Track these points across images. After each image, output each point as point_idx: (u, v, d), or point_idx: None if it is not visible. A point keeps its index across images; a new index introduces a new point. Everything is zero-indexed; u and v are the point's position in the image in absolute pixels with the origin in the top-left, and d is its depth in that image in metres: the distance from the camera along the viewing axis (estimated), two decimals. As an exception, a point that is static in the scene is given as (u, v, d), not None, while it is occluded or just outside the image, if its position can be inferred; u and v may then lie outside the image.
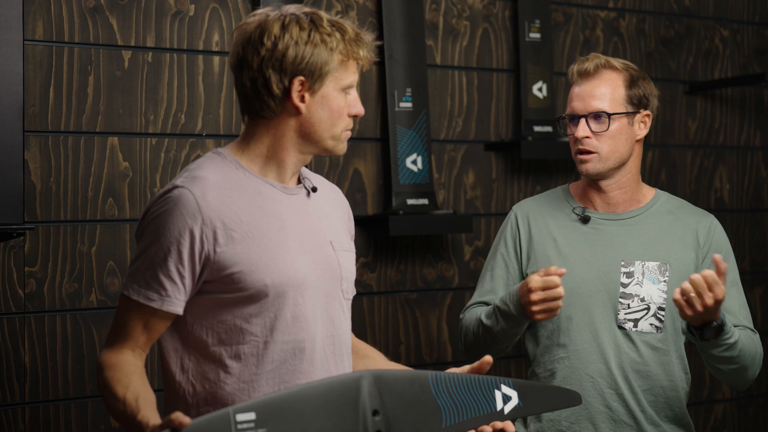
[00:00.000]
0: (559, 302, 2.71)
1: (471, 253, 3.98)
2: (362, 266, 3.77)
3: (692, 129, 4.48)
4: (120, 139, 3.36)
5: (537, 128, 4.05)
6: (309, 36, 2.25)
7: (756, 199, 4.62)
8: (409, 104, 3.81)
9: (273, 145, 2.30)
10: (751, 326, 2.92)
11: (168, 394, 2.29)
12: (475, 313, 2.95)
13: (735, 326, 2.87)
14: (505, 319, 2.82)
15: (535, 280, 2.71)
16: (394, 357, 3.81)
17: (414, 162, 3.80)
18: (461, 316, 3.03)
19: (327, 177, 3.70)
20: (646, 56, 4.35)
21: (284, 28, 2.25)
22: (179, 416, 1.98)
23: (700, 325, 2.71)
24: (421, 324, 3.88)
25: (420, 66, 3.84)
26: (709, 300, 2.61)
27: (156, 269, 2.21)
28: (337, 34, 2.27)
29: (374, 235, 3.79)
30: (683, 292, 2.62)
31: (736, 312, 2.90)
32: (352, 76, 2.30)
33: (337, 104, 2.29)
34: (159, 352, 2.32)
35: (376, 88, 3.80)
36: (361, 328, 3.76)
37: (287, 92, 2.26)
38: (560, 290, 2.69)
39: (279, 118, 2.29)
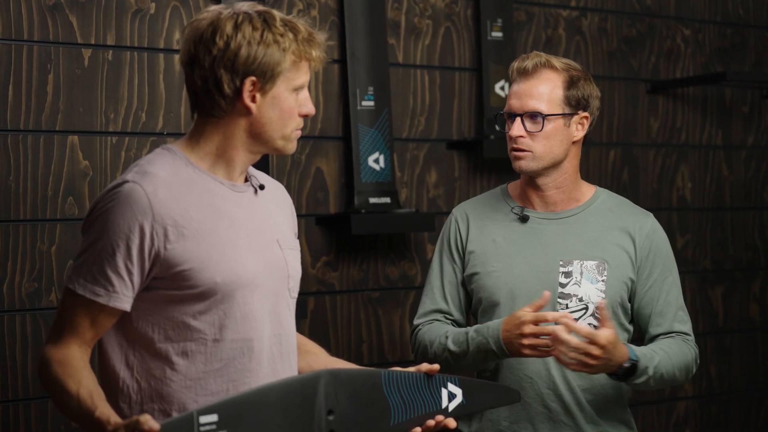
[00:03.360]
0: (548, 341, 2.66)
1: (433, 251, 3.98)
2: (324, 265, 3.76)
3: (654, 128, 4.50)
4: (80, 137, 3.35)
5: (499, 127, 4.04)
6: (262, 36, 2.23)
7: (718, 198, 4.65)
8: (371, 103, 3.81)
9: (222, 144, 2.30)
10: (685, 329, 2.90)
11: (108, 390, 2.25)
12: (437, 333, 2.89)
13: (668, 333, 2.87)
14: (479, 352, 2.78)
15: (527, 313, 2.67)
16: (356, 356, 3.81)
17: (376, 161, 3.80)
18: (416, 324, 2.98)
19: (289, 175, 3.70)
20: (608, 55, 4.36)
21: (237, 27, 2.23)
22: (148, 420, 1.98)
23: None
24: (383, 323, 3.88)
25: (382, 65, 3.84)
26: (595, 353, 2.65)
27: (103, 264, 2.19)
28: (290, 34, 2.25)
29: (336, 234, 3.79)
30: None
31: (671, 316, 2.89)
32: (303, 77, 2.29)
33: (288, 104, 2.28)
34: (98, 347, 2.29)
35: (338, 86, 3.80)
36: (323, 327, 3.75)
37: (238, 92, 2.25)
38: (550, 328, 2.64)
39: (229, 117, 2.27)
